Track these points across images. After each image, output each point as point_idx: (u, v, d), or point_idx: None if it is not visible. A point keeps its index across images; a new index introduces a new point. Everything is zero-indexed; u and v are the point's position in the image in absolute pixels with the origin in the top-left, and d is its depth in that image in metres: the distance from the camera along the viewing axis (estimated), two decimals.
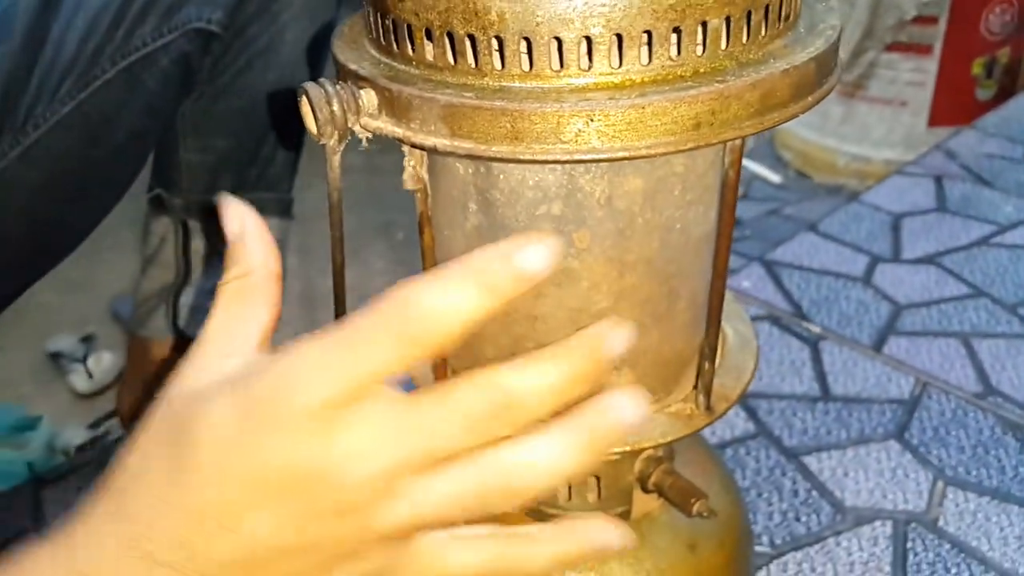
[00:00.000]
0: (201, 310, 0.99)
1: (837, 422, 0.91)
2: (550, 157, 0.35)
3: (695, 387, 0.49)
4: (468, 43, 0.36)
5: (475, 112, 0.35)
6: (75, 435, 1.47)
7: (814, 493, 0.84)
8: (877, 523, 0.81)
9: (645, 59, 0.35)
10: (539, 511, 0.56)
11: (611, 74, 0.35)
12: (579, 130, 0.35)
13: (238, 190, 0.94)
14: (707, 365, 0.48)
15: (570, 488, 0.55)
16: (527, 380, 0.33)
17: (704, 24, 0.35)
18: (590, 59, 0.35)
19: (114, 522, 0.36)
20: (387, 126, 0.38)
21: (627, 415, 0.33)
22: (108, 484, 0.37)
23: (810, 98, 0.38)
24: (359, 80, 0.39)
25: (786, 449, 0.89)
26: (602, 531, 0.36)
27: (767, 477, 0.85)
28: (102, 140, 0.79)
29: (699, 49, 0.36)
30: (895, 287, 1.11)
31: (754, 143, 1.75)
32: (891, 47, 1.67)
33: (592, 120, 0.34)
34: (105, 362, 1.67)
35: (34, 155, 0.76)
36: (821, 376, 0.98)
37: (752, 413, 0.93)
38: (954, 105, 1.69)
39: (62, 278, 0.87)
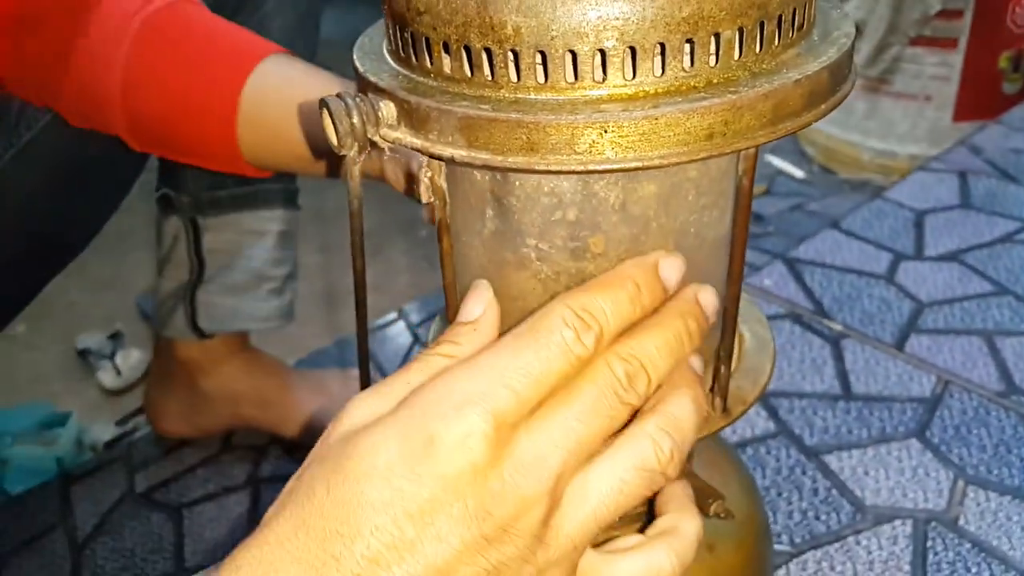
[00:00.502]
0: (216, 306, 1.00)
1: (858, 421, 0.92)
2: (565, 168, 0.36)
3: (711, 390, 0.50)
4: (484, 56, 0.36)
5: (491, 124, 0.36)
6: (103, 431, 1.49)
7: (834, 492, 0.84)
8: (897, 522, 0.81)
9: (658, 71, 0.36)
10: None
11: (625, 86, 0.36)
12: (593, 141, 0.35)
13: (243, 182, 0.95)
14: (723, 369, 0.48)
15: None
16: (652, 341, 0.39)
17: (717, 36, 0.36)
18: (604, 71, 0.36)
19: (292, 544, 0.35)
20: (406, 137, 0.39)
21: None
22: (272, 517, 0.36)
23: (823, 106, 0.38)
24: (378, 92, 0.39)
25: (807, 448, 0.89)
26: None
27: (787, 476, 0.86)
28: (95, 138, 0.80)
29: (712, 60, 0.36)
30: (918, 285, 1.11)
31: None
32: (916, 41, 1.66)
33: (606, 131, 0.35)
34: (133, 359, 1.69)
35: (28, 155, 0.77)
36: (843, 374, 0.98)
37: (773, 412, 0.93)
38: (980, 100, 1.68)
39: (90, 277, 0.89)
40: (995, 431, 0.90)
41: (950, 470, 0.86)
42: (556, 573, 0.38)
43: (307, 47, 0.94)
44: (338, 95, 0.39)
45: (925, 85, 1.69)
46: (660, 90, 0.36)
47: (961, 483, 0.84)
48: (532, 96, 0.36)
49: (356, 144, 0.39)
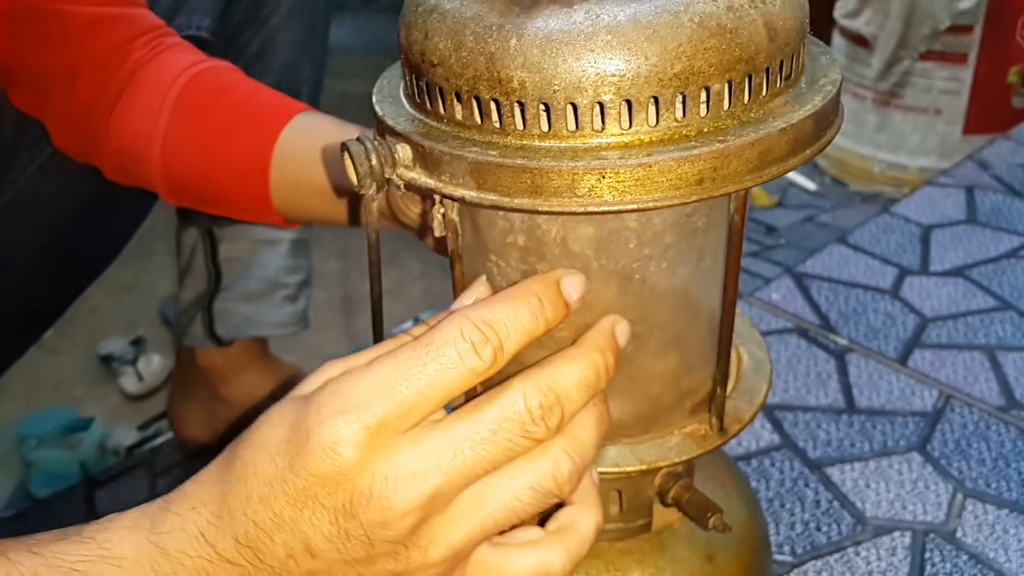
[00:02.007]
0: (232, 313, 1.03)
1: (861, 434, 0.94)
2: (566, 209, 0.38)
3: (708, 410, 0.52)
4: (493, 106, 0.39)
5: (499, 168, 0.39)
6: (126, 436, 1.52)
7: (835, 504, 0.86)
8: (896, 533, 0.83)
9: (652, 121, 0.38)
10: None
11: (621, 134, 0.38)
12: (592, 185, 0.38)
13: None
14: (719, 390, 0.51)
15: None
16: (571, 376, 0.39)
17: (707, 89, 0.38)
18: (602, 121, 0.38)
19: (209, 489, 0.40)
20: (420, 177, 0.42)
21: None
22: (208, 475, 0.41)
23: (808, 151, 0.41)
24: (395, 135, 0.42)
25: (810, 460, 0.91)
26: None
27: (790, 488, 0.88)
28: None
29: (703, 110, 0.39)
30: (922, 300, 1.13)
31: None
32: (926, 56, 1.69)
33: (604, 177, 0.38)
34: (155, 364, 1.72)
35: (50, 167, 0.80)
36: (847, 388, 1.00)
37: (778, 425, 0.95)
38: (989, 113, 1.70)
39: (112, 282, 0.92)
40: (995, 445, 0.92)
41: (949, 483, 0.88)
42: (432, 573, 0.39)
43: (314, 59, 0.97)
44: (358, 138, 0.42)
45: (935, 99, 1.71)
46: (654, 139, 0.39)
47: (960, 496, 0.87)
48: (536, 143, 0.39)
49: (374, 184, 0.41)
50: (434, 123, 0.42)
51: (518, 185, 0.39)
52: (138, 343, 1.78)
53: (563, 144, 0.39)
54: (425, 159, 0.41)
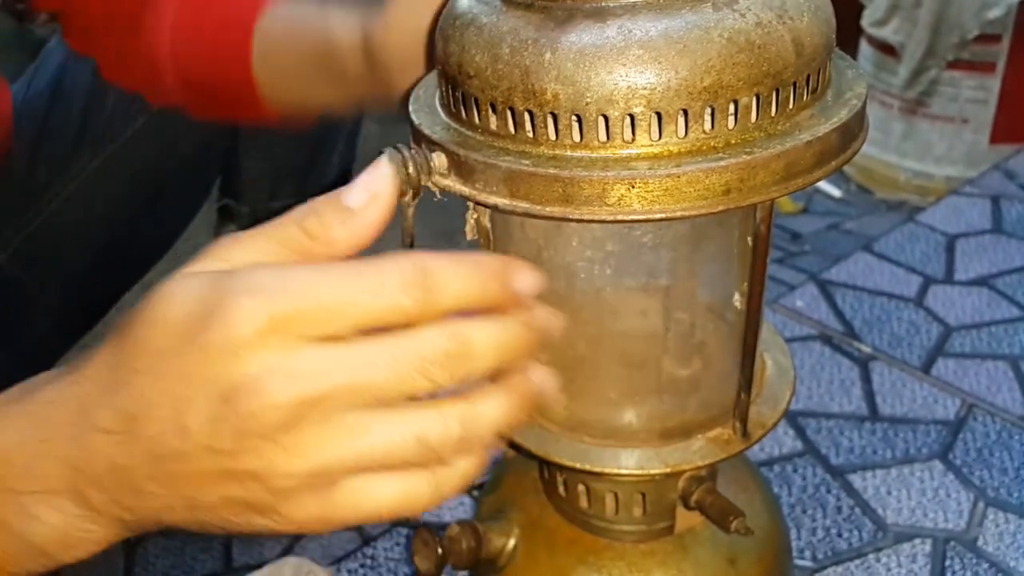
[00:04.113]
0: None
1: (883, 442, 0.95)
2: (596, 218, 0.40)
3: (732, 415, 0.53)
4: (527, 116, 0.41)
5: (532, 177, 0.40)
6: None
7: (857, 510, 0.87)
8: (917, 541, 0.84)
9: (682, 132, 0.40)
10: (587, 523, 0.60)
11: (651, 145, 0.40)
12: (622, 195, 0.39)
13: (298, 195, 1.00)
14: (743, 396, 0.52)
15: (617, 503, 0.59)
16: (487, 335, 0.37)
17: (735, 102, 0.39)
18: (633, 133, 0.40)
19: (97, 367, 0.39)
20: (455, 185, 0.43)
21: (545, 386, 0.40)
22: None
23: (833, 163, 0.42)
24: (431, 144, 0.44)
25: (832, 467, 0.92)
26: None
27: (812, 494, 0.89)
28: (171, 152, 0.85)
29: (731, 122, 0.40)
30: (946, 309, 1.14)
31: None
32: (953, 65, 1.69)
33: (633, 187, 0.39)
34: None
35: (112, 166, 0.83)
36: (870, 396, 1.01)
37: (801, 431, 0.96)
38: (1017, 123, 1.70)
39: (148, 284, 0.94)
40: (1016, 454, 0.92)
41: (971, 492, 0.89)
42: (295, 485, 0.37)
43: None
44: (395, 146, 0.43)
45: (962, 108, 1.71)
46: (683, 150, 0.40)
47: (981, 505, 0.87)
48: (568, 153, 0.40)
49: (411, 191, 0.43)
50: (468, 132, 0.44)
51: (550, 194, 0.40)
52: None
53: (594, 154, 0.40)
54: (460, 167, 0.42)
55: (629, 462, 0.53)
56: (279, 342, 0.35)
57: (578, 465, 0.53)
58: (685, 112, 0.39)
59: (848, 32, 1.78)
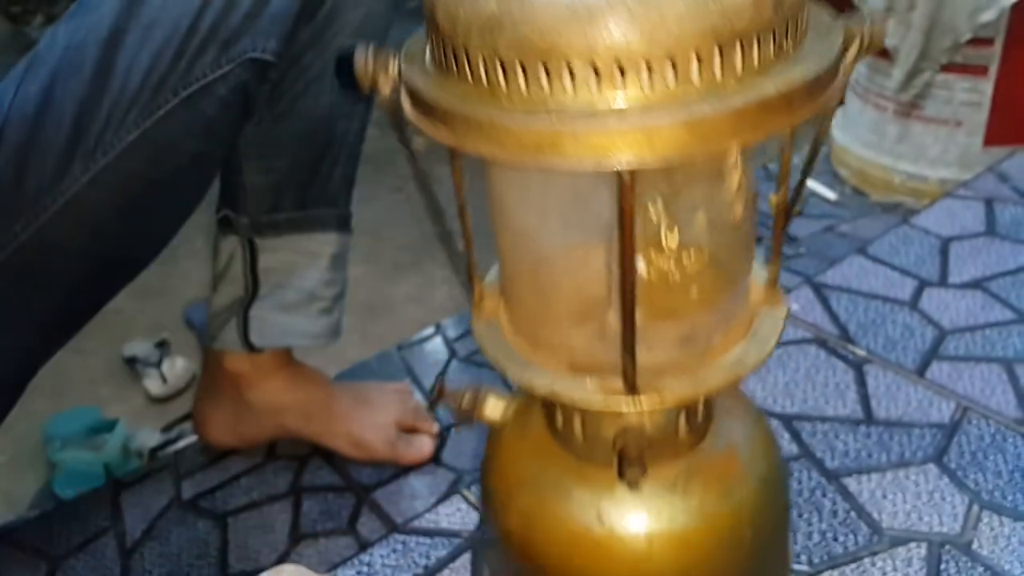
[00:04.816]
0: (269, 322, 1.05)
1: (878, 445, 0.95)
2: (585, 167, 0.41)
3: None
4: (499, 67, 0.42)
5: (508, 129, 0.42)
6: (149, 437, 1.54)
7: (852, 514, 0.87)
8: (912, 544, 0.84)
9: (652, 84, 0.41)
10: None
11: (626, 96, 0.41)
12: (596, 143, 0.40)
13: (299, 208, 1.00)
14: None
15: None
16: None
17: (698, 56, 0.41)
18: (599, 85, 0.41)
19: None
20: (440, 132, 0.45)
21: None
22: None
23: (803, 110, 0.43)
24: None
25: (827, 470, 0.92)
26: None
27: (808, 498, 0.89)
28: (166, 164, 0.85)
29: (702, 72, 0.41)
30: (941, 312, 1.14)
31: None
32: (946, 68, 1.69)
33: (616, 135, 0.40)
34: (178, 367, 1.75)
35: (103, 179, 0.83)
36: (865, 399, 1.01)
37: (796, 435, 0.96)
38: (1010, 125, 1.70)
39: (137, 285, 0.94)
40: (1011, 458, 0.93)
41: (966, 495, 0.89)
42: None
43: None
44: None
45: (956, 111, 1.71)
46: (662, 100, 0.41)
47: (976, 508, 0.87)
48: (537, 103, 0.42)
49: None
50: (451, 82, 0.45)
51: (527, 143, 0.41)
52: (162, 345, 1.80)
53: (567, 105, 0.41)
54: (445, 116, 0.44)
55: None
56: None
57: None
58: (648, 64, 0.40)
59: None
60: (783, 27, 0.43)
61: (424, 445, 1.11)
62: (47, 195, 0.82)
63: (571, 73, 0.41)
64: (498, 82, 0.43)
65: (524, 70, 0.41)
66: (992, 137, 1.71)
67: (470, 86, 0.44)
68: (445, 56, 0.45)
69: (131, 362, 1.78)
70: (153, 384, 1.73)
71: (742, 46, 0.42)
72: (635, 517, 0.57)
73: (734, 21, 0.41)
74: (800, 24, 0.45)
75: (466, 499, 0.95)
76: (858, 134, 1.85)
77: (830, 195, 1.85)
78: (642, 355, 0.50)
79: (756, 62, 0.42)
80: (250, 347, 1.06)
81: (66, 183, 0.82)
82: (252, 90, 0.88)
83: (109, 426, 1.54)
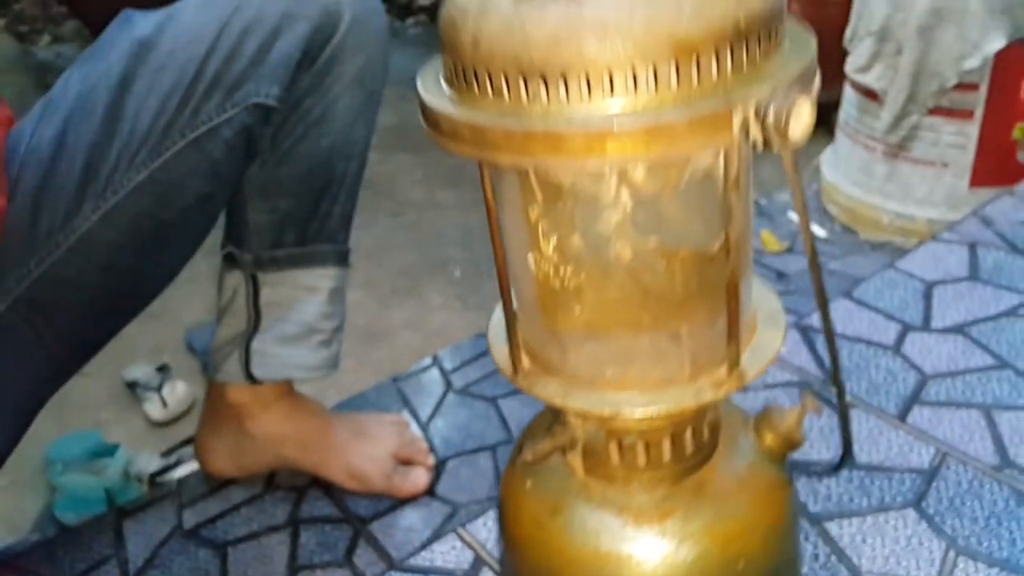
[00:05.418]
0: (270, 355, 1.09)
1: (859, 490, 0.98)
2: (584, 168, 0.48)
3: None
4: (521, 83, 0.47)
5: (533, 134, 0.47)
6: (149, 462, 1.57)
7: (833, 558, 0.91)
8: None
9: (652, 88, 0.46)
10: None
11: (624, 103, 0.46)
12: (599, 145, 0.46)
13: (300, 244, 1.04)
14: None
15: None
16: None
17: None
18: (589, 92, 0.46)
19: None
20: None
21: None
22: None
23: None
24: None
25: (810, 515, 0.96)
26: None
27: None
28: (173, 203, 0.89)
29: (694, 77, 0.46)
30: (923, 356, 1.18)
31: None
32: (933, 111, 1.73)
33: (608, 139, 0.46)
34: (179, 391, 1.77)
35: (113, 217, 0.87)
36: (847, 444, 1.04)
37: None
38: (995, 167, 1.75)
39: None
40: (987, 504, 0.96)
41: (943, 540, 0.92)
42: None
43: (368, 121, 1.03)
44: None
45: (943, 152, 1.76)
46: (653, 104, 0.46)
47: (952, 554, 0.91)
48: (542, 112, 0.47)
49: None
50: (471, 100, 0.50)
51: (544, 147, 0.47)
52: (163, 370, 1.83)
53: (569, 113, 0.47)
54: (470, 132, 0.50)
55: None
56: None
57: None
58: (644, 71, 0.46)
59: (832, 76, 1.82)
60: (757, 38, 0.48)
61: (419, 478, 1.15)
62: (60, 232, 0.86)
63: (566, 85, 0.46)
64: (519, 95, 0.48)
65: (546, 83, 0.47)
66: (977, 178, 1.75)
67: (491, 101, 0.49)
68: (467, 77, 0.50)
69: (132, 386, 1.81)
70: (154, 408, 1.75)
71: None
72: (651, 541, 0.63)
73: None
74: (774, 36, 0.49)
75: (461, 538, 0.98)
76: (848, 173, 1.90)
77: (820, 232, 1.89)
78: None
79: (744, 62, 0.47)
80: (252, 379, 1.09)
81: (78, 221, 0.86)
82: (256, 133, 0.92)
83: (110, 450, 1.57)
